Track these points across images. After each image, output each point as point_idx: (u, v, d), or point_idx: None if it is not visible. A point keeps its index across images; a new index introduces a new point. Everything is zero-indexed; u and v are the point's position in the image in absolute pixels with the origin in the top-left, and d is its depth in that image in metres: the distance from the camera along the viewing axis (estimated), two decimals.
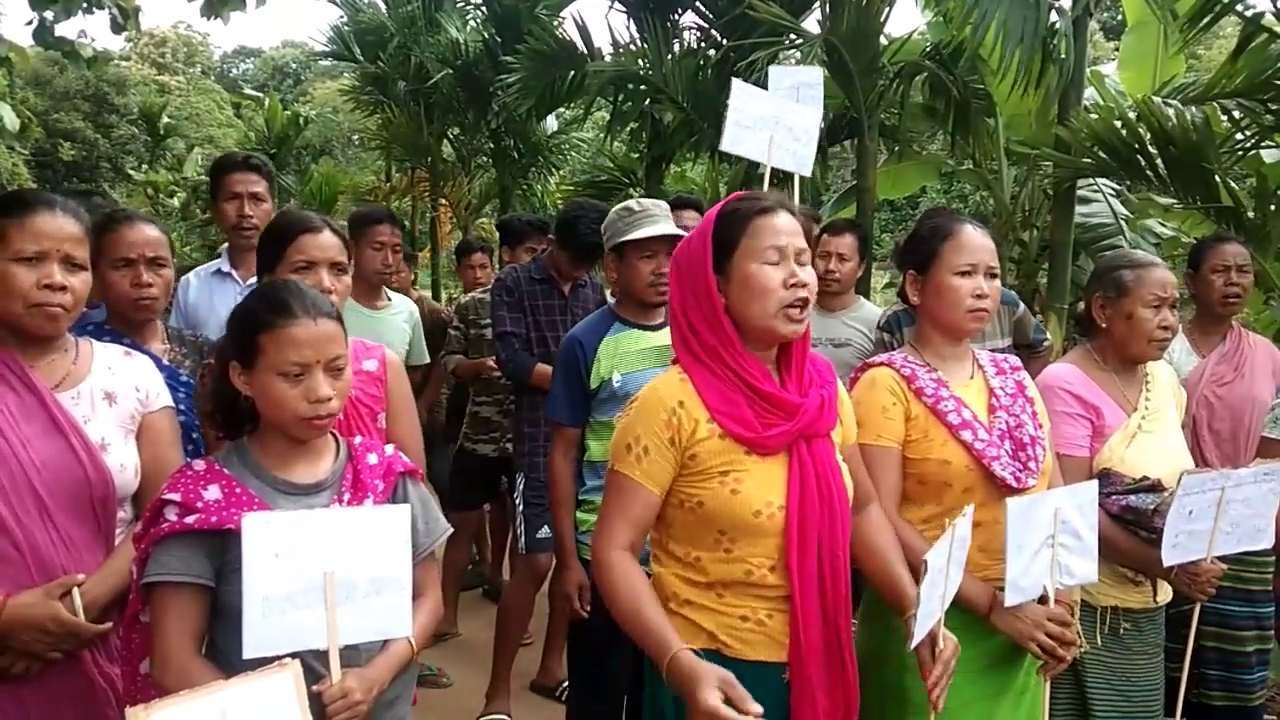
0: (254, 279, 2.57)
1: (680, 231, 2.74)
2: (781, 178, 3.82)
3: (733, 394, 1.73)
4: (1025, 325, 3.52)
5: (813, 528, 1.72)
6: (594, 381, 2.71)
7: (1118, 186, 6.71)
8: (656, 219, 2.73)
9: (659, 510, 1.77)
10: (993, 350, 2.89)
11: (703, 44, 7.74)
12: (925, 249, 2.15)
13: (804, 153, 3.27)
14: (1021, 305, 3.55)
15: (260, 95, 20.21)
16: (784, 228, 1.74)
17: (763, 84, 3.53)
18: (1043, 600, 1.96)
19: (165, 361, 2.28)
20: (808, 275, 1.75)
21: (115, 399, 1.93)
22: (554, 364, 2.90)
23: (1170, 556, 2.16)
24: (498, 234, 4.92)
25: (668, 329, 2.72)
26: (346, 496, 1.72)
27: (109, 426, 1.90)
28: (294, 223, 2.21)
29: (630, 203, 2.83)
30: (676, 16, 7.79)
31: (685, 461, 1.73)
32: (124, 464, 1.90)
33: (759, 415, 1.72)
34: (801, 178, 3.46)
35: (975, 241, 2.11)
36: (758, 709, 1.51)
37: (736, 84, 3.19)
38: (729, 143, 3.16)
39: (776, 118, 3.16)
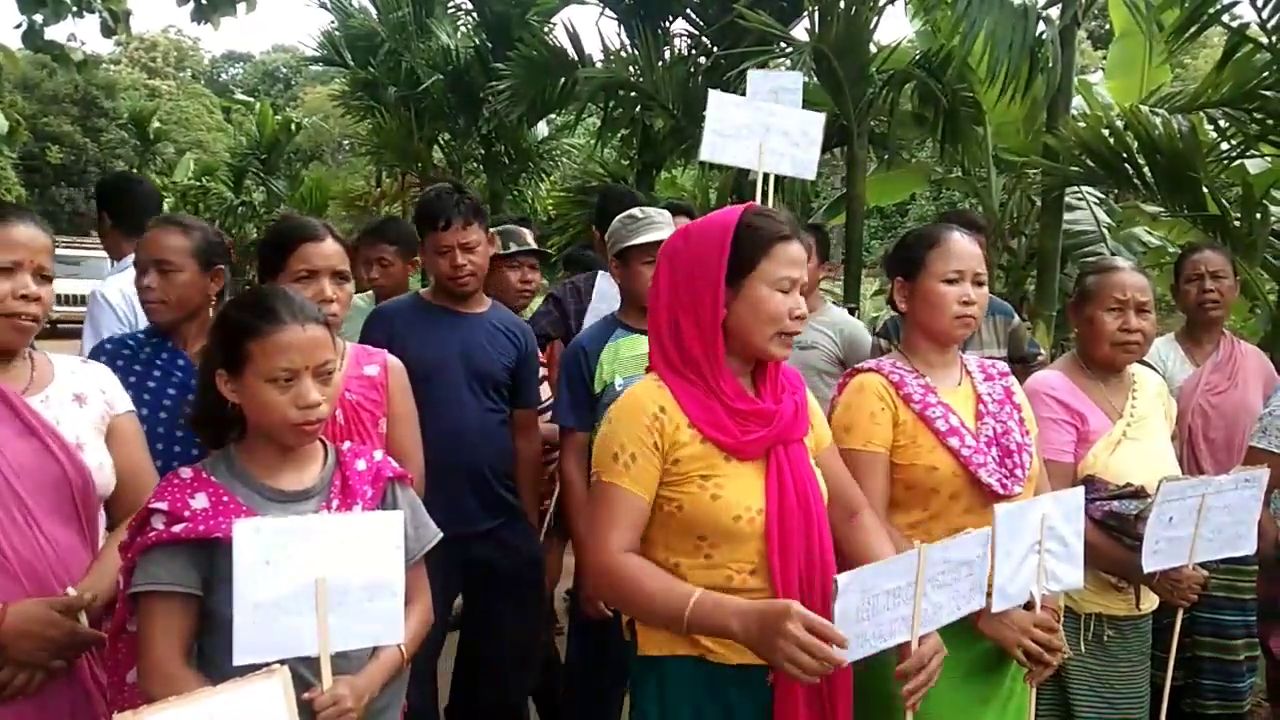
0: None
1: None
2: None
3: (711, 403, 1.75)
4: (1020, 338, 3.49)
5: (794, 531, 1.73)
6: (597, 386, 2.75)
7: (1102, 195, 6.75)
8: (660, 226, 2.77)
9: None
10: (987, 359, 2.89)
11: (693, 51, 7.78)
12: (912, 256, 2.15)
13: (805, 157, 3.17)
14: (1016, 318, 3.52)
15: (251, 100, 20.21)
16: (799, 258, 1.78)
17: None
18: (1028, 606, 1.97)
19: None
20: (805, 307, 1.82)
21: (85, 400, 1.91)
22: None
23: (1150, 563, 2.17)
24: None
25: None
26: (335, 503, 1.72)
27: (82, 426, 1.87)
28: (295, 230, 2.18)
29: (635, 210, 2.87)
30: (667, 24, 7.84)
31: (667, 466, 1.74)
32: (101, 463, 1.87)
33: (737, 423, 1.75)
34: (790, 186, 3.44)
35: (962, 249, 2.12)
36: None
37: (714, 94, 3.17)
38: (708, 152, 3.12)
39: (766, 124, 3.11)
